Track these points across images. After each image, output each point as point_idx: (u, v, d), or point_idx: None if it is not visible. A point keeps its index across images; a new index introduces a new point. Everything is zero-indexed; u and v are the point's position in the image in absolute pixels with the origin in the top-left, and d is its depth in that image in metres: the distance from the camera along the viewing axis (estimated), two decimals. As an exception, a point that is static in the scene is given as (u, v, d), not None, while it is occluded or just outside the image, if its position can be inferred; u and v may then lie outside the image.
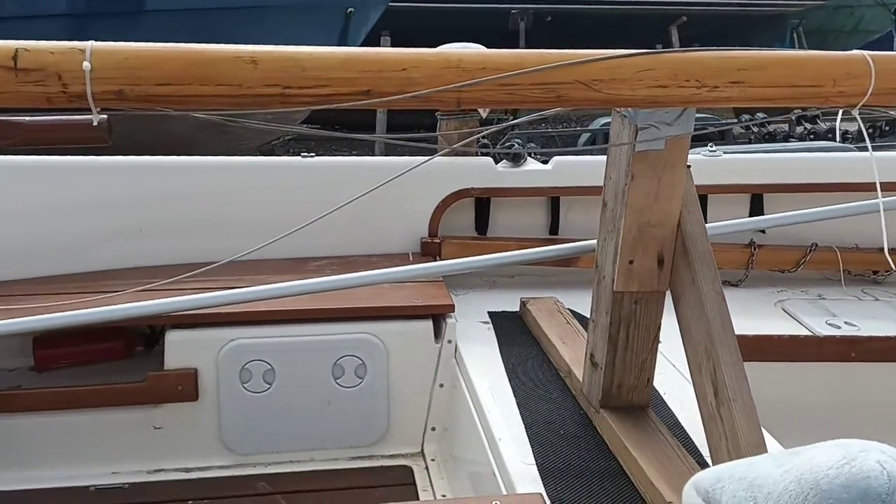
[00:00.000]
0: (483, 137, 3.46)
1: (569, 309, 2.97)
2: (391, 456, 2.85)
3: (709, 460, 1.99)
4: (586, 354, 2.32)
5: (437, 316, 2.83)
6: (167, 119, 1.73)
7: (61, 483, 2.62)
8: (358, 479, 2.72)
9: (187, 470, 2.73)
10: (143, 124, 2.96)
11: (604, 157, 4.00)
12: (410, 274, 2.70)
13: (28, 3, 7.40)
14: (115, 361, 2.95)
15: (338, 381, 2.76)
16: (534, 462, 2.08)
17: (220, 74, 1.51)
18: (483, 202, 3.50)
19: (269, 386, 2.72)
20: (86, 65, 1.44)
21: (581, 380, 2.37)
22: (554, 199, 3.54)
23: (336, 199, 3.29)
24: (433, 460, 2.81)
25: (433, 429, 2.87)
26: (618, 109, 2.04)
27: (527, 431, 2.22)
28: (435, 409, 2.85)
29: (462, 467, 2.62)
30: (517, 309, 3.10)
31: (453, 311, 2.83)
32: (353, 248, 3.32)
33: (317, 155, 3.35)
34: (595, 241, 2.31)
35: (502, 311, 3.06)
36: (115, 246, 3.05)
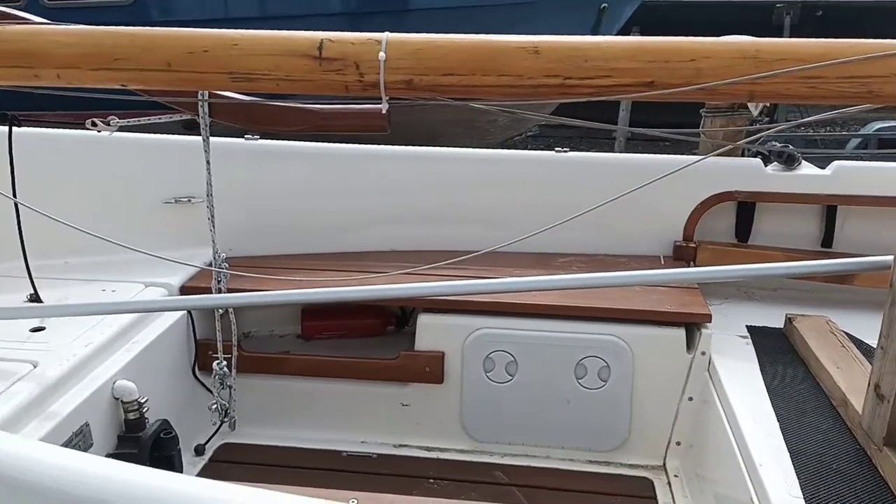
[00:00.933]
0: (756, 136, 3.21)
1: (842, 331, 2.68)
2: (630, 465, 2.75)
3: None
4: (869, 384, 2.06)
5: (691, 325, 2.67)
6: (420, 112, 1.77)
7: (317, 445, 2.82)
8: (596, 485, 2.65)
9: (429, 449, 2.83)
10: (400, 117, 3.11)
11: (893, 164, 3.57)
12: (665, 278, 2.58)
13: (304, 3, 8.09)
14: (369, 337, 3.14)
15: (580, 380, 2.71)
16: (801, 495, 1.88)
17: (503, 65, 1.51)
18: (747, 207, 3.26)
19: (510, 377, 2.74)
20: (381, 55, 1.51)
21: (860, 412, 2.11)
22: (830, 208, 3.21)
23: (589, 195, 3.22)
24: (676, 476, 2.67)
25: (678, 443, 2.72)
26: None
27: (792, 461, 2.02)
28: (681, 422, 2.70)
29: (710, 488, 2.46)
30: (779, 325, 2.84)
31: (710, 322, 2.65)
32: (600, 247, 3.24)
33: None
34: (886, 258, 2.04)
35: (763, 327, 2.82)
36: (378, 229, 3.23)
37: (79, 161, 2.99)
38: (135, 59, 1.52)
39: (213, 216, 2.16)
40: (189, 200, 3.10)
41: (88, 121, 2.06)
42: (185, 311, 2.72)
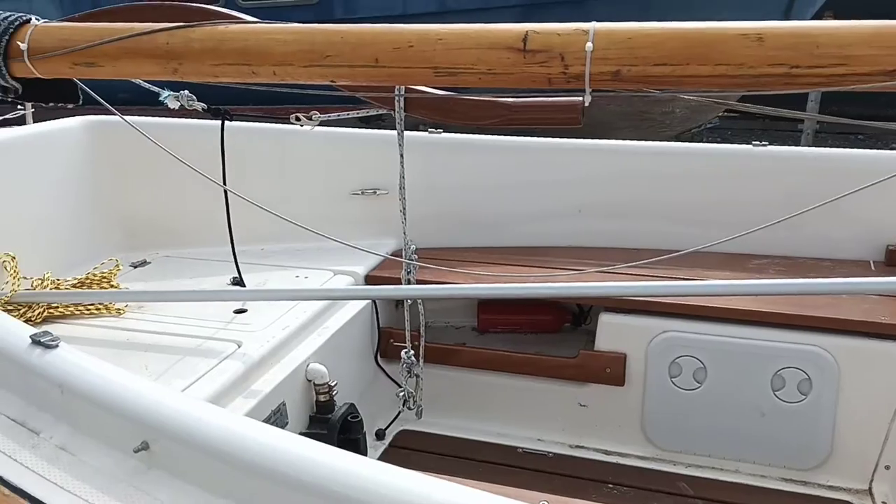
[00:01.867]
0: None
1: None
2: (830, 487, 2.53)
3: None
4: None
5: None
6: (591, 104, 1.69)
7: (493, 439, 2.82)
8: (790, 504, 2.46)
9: (607, 452, 2.75)
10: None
11: None
12: (883, 287, 2.32)
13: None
14: (544, 334, 3.10)
15: (777, 392, 2.52)
16: None
17: (722, 53, 1.41)
18: None
19: (698, 385, 2.60)
20: (588, 45, 1.45)
21: None
22: None
23: (789, 193, 3.00)
24: (885, 503, 2.42)
25: (887, 467, 2.47)
26: None
27: None
28: (892, 444, 2.45)
29: None
30: None
31: None
32: (798, 249, 3.00)
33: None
34: None
35: None
36: (559, 224, 3.17)
37: (277, 153, 3.15)
38: (345, 55, 1.56)
39: (404, 208, 2.19)
40: (374, 192, 3.19)
41: (292, 115, 2.16)
42: (371, 300, 2.80)
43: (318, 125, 2.16)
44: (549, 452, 2.76)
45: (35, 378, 1.36)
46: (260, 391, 2.15)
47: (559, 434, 2.81)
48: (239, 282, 2.75)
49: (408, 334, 2.45)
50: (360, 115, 2.22)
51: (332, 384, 2.38)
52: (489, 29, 1.53)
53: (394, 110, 2.03)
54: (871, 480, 2.50)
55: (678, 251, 2.35)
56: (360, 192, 3.20)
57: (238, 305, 2.56)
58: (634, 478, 2.62)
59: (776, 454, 2.57)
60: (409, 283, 2.31)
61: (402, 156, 2.05)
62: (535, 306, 3.09)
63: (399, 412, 2.88)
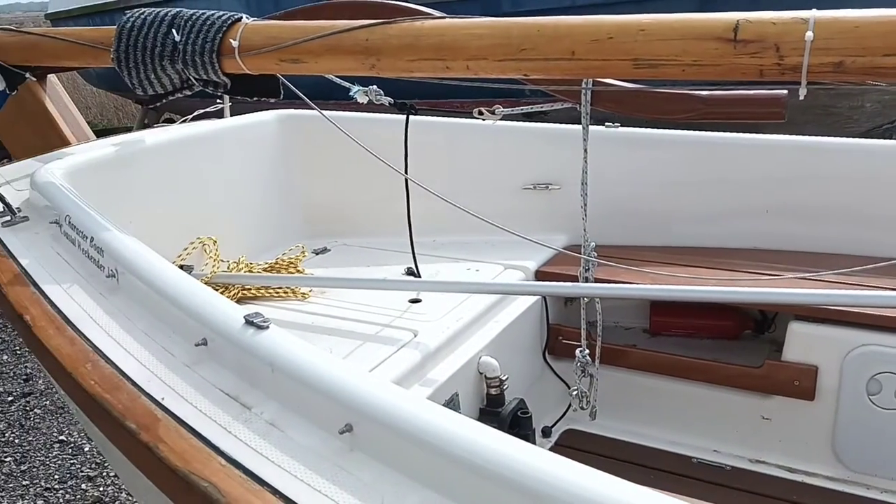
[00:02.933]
0: None
1: None
2: None
3: None
4: None
5: None
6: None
7: (664, 446, 2.71)
8: None
9: (791, 470, 2.57)
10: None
11: None
12: None
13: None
14: (722, 340, 2.94)
15: (871, 397, 2.26)
16: None
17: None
18: None
19: (901, 404, 2.37)
20: (808, 34, 1.34)
21: None
22: None
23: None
24: None
25: None
26: None
27: None
28: None
29: None
30: None
31: None
32: None
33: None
34: None
35: None
36: (737, 224, 3.00)
37: (450, 147, 3.19)
38: (540, 48, 1.54)
39: (585, 204, 2.14)
40: (547, 187, 3.15)
41: (475, 109, 2.16)
42: (541, 296, 2.78)
43: (500, 119, 2.15)
44: (726, 465, 2.62)
45: (248, 357, 1.44)
46: (435, 380, 2.18)
47: (737, 447, 2.66)
48: (414, 272, 2.82)
49: (583, 332, 2.40)
50: (544, 110, 2.19)
51: (504, 378, 2.38)
52: (696, 18, 1.45)
53: (579, 104, 1.99)
54: None
55: (877, 259, 2.15)
56: (531, 187, 3.18)
57: (413, 295, 2.61)
58: (822, 499, 2.43)
59: None
60: (587, 280, 2.26)
61: (585, 150, 2.00)
62: (714, 310, 2.94)
63: (567, 410, 2.84)
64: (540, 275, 2.88)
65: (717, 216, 3.05)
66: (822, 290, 2.35)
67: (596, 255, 2.18)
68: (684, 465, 2.64)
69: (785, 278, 2.32)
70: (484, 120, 2.18)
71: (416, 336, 2.30)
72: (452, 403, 2.22)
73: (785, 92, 1.82)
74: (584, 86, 1.94)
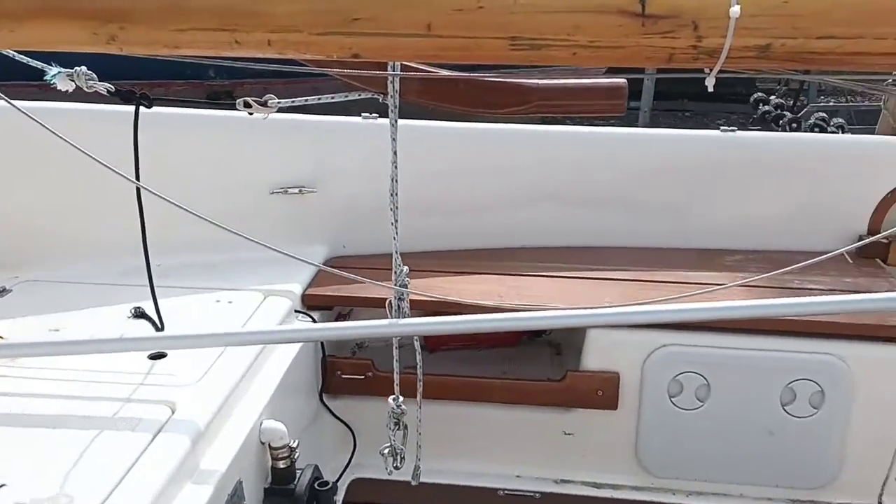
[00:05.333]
0: None
1: None
2: (840, 505, 2.33)
3: None
4: None
5: None
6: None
7: (466, 481, 2.42)
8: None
9: (597, 485, 2.42)
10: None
11: None
12: None
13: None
14: (503, 348, 2.72)
15: (786, 407, 2.29)
16: None
17: (906, 22, 1.06)
18: None
19: (700, 403, 2.32)
20: (734, 9, 1.05)
21: None
22: None
23: (762, 181, 2.79)
24: (901, 519, 2.26)
25: None
26: None
27: None
28: None
29: None
30: None
31: None
32: (770, 242, 2.79)
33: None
34: None
35: None
36: (515, 219, 2.77)
37: (181, 145, 2.54)
38: (382, 19, 1.07)
39: (396, 221, 1.70)
40: (300, 191, 2.66)
41: (239, 101, 1.61)
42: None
43: (277, 112, 1.63)
44: (535, 493, 2.39)
45: None
46: (213, 471, 1.61)
47: (540, 468, 2.45)
48: (146, 314, 2.15)
49: (397, 377, 1.97)
50: (337, 100, 1.71)
51: (294, 445, 1.87)
52: (591, -15, 1.09)
53: (384, 94, 1.55)
54: (881, 494, 2.33)
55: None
56: (282, 191, 2.66)
57: (155, 349, 1.97)
58: None
59: (784, 475, 2.34)
60: (401, 314, 1.84)
61: (395, 153, 1.57)
62: (490, 317, 2.70)
63: (351, 457, 2.41)
64: (309, 299, 2.40)
65: (498, 213, 2.79)
66: (626, 309, 2.10)
67: (408, 281, 1.77)
68: (490, 500, 2.37)
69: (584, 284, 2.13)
70: (252, 114, 1.63)
71: (174, 412, 1.69)
72: (236, 496, 1.67)
73: (624, 81, 1.56)
74: (391, 71, 1.50)
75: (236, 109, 1.64)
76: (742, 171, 2.76)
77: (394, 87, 1.52)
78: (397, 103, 1.53)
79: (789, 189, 2.79)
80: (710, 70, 1.13)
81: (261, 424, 1.83)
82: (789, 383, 2.26)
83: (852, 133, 9.34)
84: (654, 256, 2.67)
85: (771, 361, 2.26)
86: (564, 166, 2.72)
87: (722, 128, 2.78)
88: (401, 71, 1.52)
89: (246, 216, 2.60)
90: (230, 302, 2.30)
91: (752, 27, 1.07)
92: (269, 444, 1.84)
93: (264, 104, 1.62)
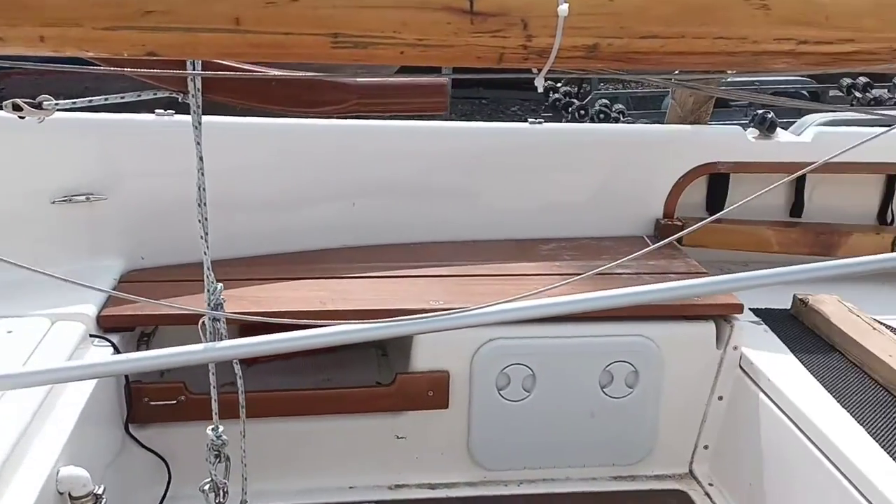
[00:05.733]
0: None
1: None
2: (656, 477, 2.47)
3: None
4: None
5: (719, 317, 2.41)
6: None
7: (299, 500, 2.28)
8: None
9: (432, 486, 2.39)
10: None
11: (879, 130, 3.49)
12: (710, 289, 2.15)
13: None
14: (320, 355, 2.61)
15: (605, 389, 2.37)
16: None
17: (722, 25, 1.08)
18: (720, 178, 3.05)
19: (527, 394, 2.35)
20: (562, 8, 1.02)
21: None
22: (801, 177, 3.07)
23: (569, 171, 2.88)
24: (711, 485, 2.42)
25: (705, 447, 2.47)
26: None
27: (889, 478, 1.80)
28: (710, 425, 2.45)
29: (754, 491, 2.21)
30: (778, 305, 2.64)
31: (740, 313, 2.41)
32: (579, 230, 2.90)
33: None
34: None
35: (767, 309, 2.61)
36: (325, 219, 2.66)
37: None
38: (181, 12, 0.93)
39: (206, 233, 1.53)
40: (87, 198, 2.38)
41: (6, 103, 1.37)
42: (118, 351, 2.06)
43: (55, 113, 1.40)
44: (369, 502, 2.31)
45: None
46: None
47: (374, 475, 2.37)
48: None
49: (215, 405, 1.79)
50: (128, 100, 1.50)
51: (100, 492, 1.66)
52: (417, -21, 1.02)
53: (184, 93, 1.38)
54: (692, 462, 2.49)
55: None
56: (65, 199, 2.36)
57: None
58: None
59: (606, 453, 2.44)
60: (217, 336, 1.66)
61: (200, 158, 1.40)
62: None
63: (166, 491, 2.19)
64: (106, 320, 2.15)
65: (301, 213, 2.66)
66: (457, 314, 2.04)
67: (224, 299, 1.60)
68: None
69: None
70: (23, 118, 1.40)
71: None
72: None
73: (446, 80, 1.51)
74: (190, 69, 1.34)
75: (2, 110, 1.39)
76: (550, 162, 2.83)
77: (195, 86, 1.36)
78: (199, 104, 1.37)
79: (594, 178, 2.91)
80: (540, 70, 1.10)
81: (57, 472, 1.60)
82: (607, 366, 2.34)
83: (631, 117, 10.13)
84: (474, 249, 2.68)
85: (590, 347, 2.33)
86: (379, 161, 2.65)
87: (530, 120, 2.84)
88: (207, 69, 1.36)
89: (23, 230, 2.29)
90: (9, 332, 2.00)
91: (580, 26, 1.05)
92: (68, 494, 1.62)
93: (38, 106, 1.39)
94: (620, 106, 11.44)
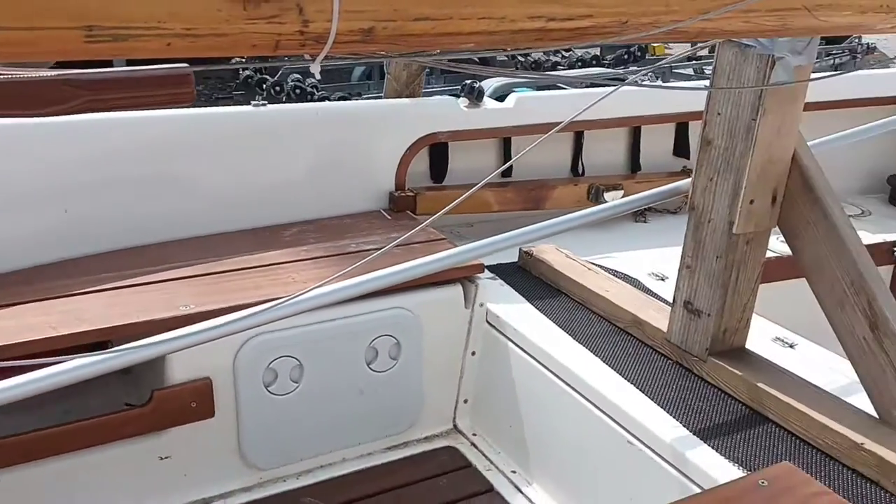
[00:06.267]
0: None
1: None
2: (426, 439, 2.56)
3: (846, 392, 1.99)
4: (675, 302, 2.21)
5: (464, 278, 2.55)
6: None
7: None
8: (405, 472, 2.40)
9: (206, 501, 2.24)
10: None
11: (563, 91, 3.86)
12: (458, 257, 2.24)
13: None
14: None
15: (371, 366, 2.40)
16: (659, 422, 1.95)
17: (487, 3, 1.13)
18: (440, 147, 3.20)
19: (296, 385, 2.29)
20: (337, -8, 0.99)
21: (664, 329, 2.26)
22: (507, 140, 3.34)
23: (300, 151, 2.82)
24: (475, 434, 2.57)
25: (465, 401, 2.62)
26: (743, 41, 1.89)
27: (622, 394, 2.07)
28: (467, 379, 2.59)
29: (516, 434, 2.40)
30: (507, 260, 2.87)
31: (482, 272, 2.56)
32: (318, 211, 2.88)
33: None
34: (684, 183, 2.18)
35: (498, 264, 2.83)
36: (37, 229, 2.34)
37: None
38: None
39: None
40: None
41: None
42: None
43: None
44: None
45: None
46: None
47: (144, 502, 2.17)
48: None
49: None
50: None
51: None
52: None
53: None
54: (455, 418, 2.62)
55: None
56: None
57: None
58: None
59: (377, 428, 2.48)
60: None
61: None
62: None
63: None
64: None
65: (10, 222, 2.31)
66: (215, 321, 1.88)
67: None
68: None
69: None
70: None
71: None
72: None
73: (189, 69, 1.39)
74: None
75: None
76: (279, 144, 2.76)
77: None
78: None
79: (323, 157, 2.89)
80: (316, 56, 1.06)
81: None
82: (371, 342, 2.37)
83: (325, 90, 10.21)
84: (214, 244, 2.53)
85: (353, 326, 2.33)
86: (89, 160, 2.38)
87: (253, 103, 2.73)
88: None
89: None
90: None
91: (355, 10, 1.03)
92: None
93: None
94: (313, 80, 11.47)
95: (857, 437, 1.78)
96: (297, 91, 10.54)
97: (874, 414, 1.88)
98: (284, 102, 7.46)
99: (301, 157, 2.82)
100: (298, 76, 11.28)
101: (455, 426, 2.62)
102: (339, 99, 9.05)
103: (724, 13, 1.34)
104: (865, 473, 1.75)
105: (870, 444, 1.76)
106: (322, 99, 9.36)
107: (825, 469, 1.78)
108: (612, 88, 2.07)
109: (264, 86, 11.41)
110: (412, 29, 1.09)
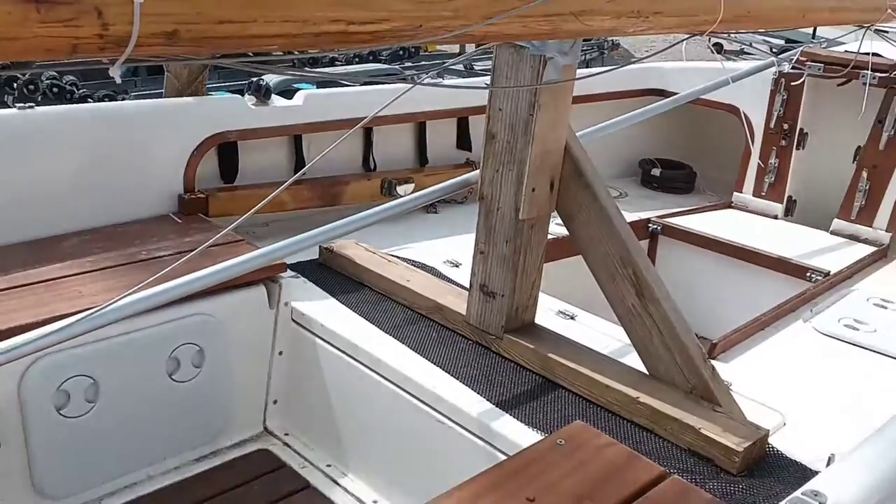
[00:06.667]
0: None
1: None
2: (237, 444, 2.51)
3: (621, 354, 2.24)
4: (472, 286, 2.36)
5: (267, 279, 2.53)
6: None
7: None
8: (220, 481, 2.35)
9: (-3, 540, 2.05)
10: None
11: (351, 89, 3.89)
12: (277, 255, 2.20)
13: None
14: None
15: (173, 376, 2.31)
16: (465, 399, 2.08)
17: (288, 6, 1.16)
18: (229, 147, 3.13)
19: (91, 405, 2.15)
20: (139, -5, 0.98)
21: (463, 312, 2.40)
22: (298, 137, 3.33)
23: (73, 157, 2.62)
24: (287, 434, 2.57)
25: (275, 402, 2.60)
26: (520, 43, 2.05)
27: (429, 376, 2.18)
28: (276, 380, 2.58)
29: (341, 432, 2.44)
30: (311, 257, 2.88)
31: (285, 271, 2.56)
32: (97, 218, 2.71)
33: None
34: (472, 175, 2.32)
35: (299, 262, 2.83)
36: None
37: None
38: None
39: None
40: None
41: None
42: None
43: None
44: None
45: None
46: None
47: None
48: None
49: None
50: None
51: None
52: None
53: None
54: (265, 420, 2.60)
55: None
56: None
57: None
58: None
59: (184, 439, 2.39)
60: None
61: None
62: None
63: None
64: None
65: None
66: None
67: None
68: None
69: None
70: None
71: None
72: None
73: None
74: None
75: None
76: (50, 148, 2.56)
77: None
78: None
79: (103, 160, 2.73)
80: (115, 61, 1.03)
81: None
82: (172, 353, 2.29)
83: (85, 88, 9.45)
84: None
85: (151, 337, 2.24)
86: None
87: (18, 105, 2.50)
88: None
89: None
90: None
91: (158, 13, 1.01)
92: None
93: None
94: (72, 78, 10.57)
95: (633, 393, 2.02)
96: (55, 90, 9.68)
97: (645, 371, 2.14)
98: (41, 102, 6.84)
99: (77, 162, 2.64)
100: (54, 73, 10.33)
101: (266, 428, 2.60)
102: (105, 97, 8.44)
103: (505, 18, 1.47)
104: (642, 423, 1.99)
105: (644, 398, 2.00)
106: (83, 97, 8.65)
107: (610, 423, 2.01)
108: (407, 88, 2.16)
109: (15, 84, 10.34)
110: (217, 31, 1.09)
